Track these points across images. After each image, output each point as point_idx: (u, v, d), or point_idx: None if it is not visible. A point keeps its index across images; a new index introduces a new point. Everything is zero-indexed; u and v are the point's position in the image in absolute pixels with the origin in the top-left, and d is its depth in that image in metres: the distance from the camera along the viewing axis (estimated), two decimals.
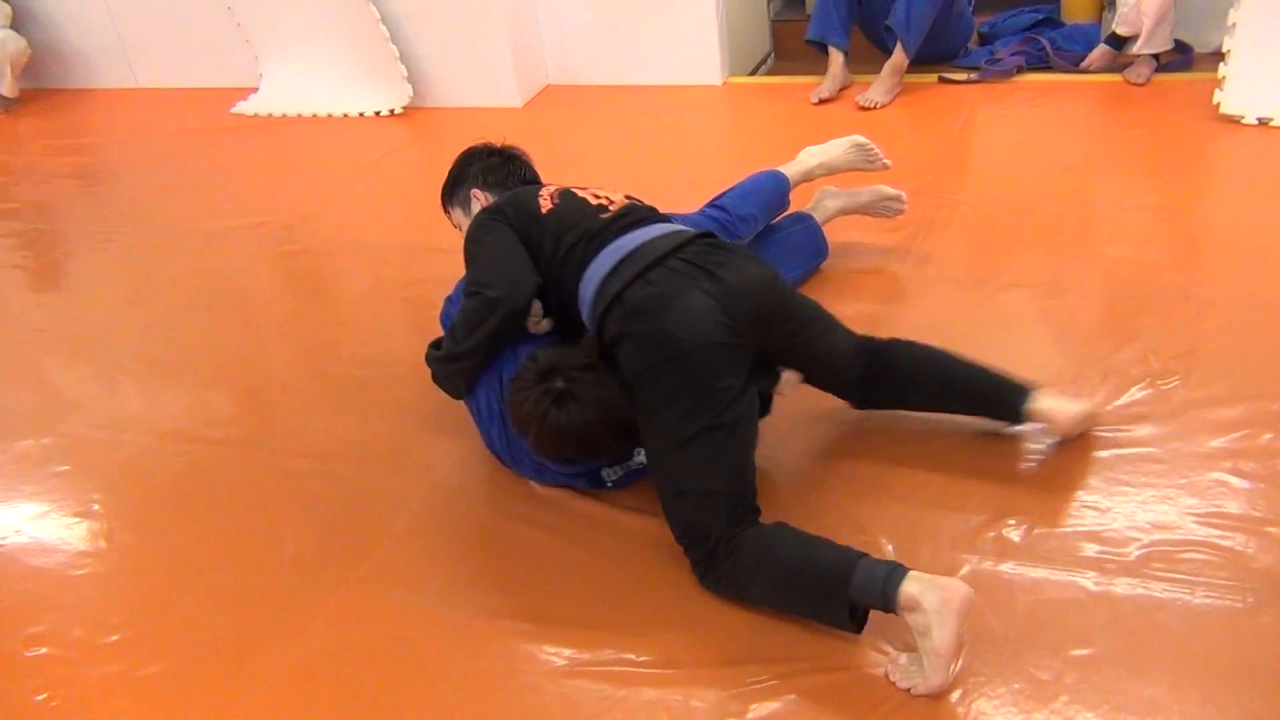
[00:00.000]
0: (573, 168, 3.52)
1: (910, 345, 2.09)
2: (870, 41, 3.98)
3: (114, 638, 1.89)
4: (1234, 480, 1.89)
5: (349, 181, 3.72)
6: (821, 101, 3.81)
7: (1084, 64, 3.72)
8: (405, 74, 4.22)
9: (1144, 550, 1.76)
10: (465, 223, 2.29)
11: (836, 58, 3.84)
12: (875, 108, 3.69)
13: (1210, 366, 2.19)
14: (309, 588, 1.94)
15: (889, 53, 3.74)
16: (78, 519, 2.20)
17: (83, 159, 4.37)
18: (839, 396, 2.12)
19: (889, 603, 1.58)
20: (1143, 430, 2.03)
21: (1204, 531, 1.79)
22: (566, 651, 1.73)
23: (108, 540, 2.14)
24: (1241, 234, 2.67)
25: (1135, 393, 2.13)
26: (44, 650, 1.88)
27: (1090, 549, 1.78)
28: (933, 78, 3.86)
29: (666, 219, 2.10)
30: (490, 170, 2.39)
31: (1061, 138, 3.37)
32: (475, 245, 2.09)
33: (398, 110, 4.31)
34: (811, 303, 2.05)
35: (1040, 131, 3.43)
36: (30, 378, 2.77)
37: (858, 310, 2.53)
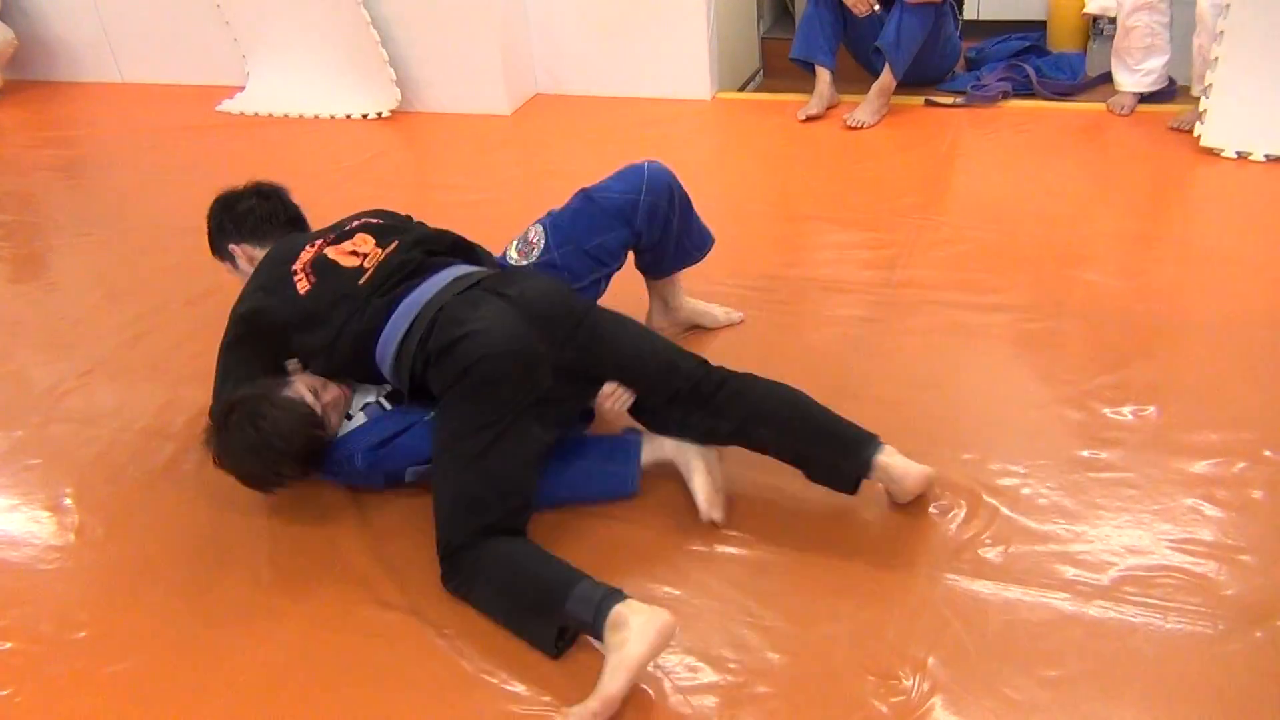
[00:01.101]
0: (558, 178, 3.51)
1: (763, 378, 2.02)
2: (858, 62, 4.01)
3: (82, 634, 1.87)
4: (1207, 508, 1.90)
5: (335, 183, 3.71)
6: (809, 119, 3.83)
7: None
8: (394, 77, 4.22)
9: (1118, 574, 1.77)
10: (241, 275, 2.31)
11: (823, 76, 3.87)
12: (862, 128, 3.72)
13: (1187, 393, 2.21)
14: (281, 587, 1.93)
15: (876, 74, 3.77)
16: (48, 513, 2.18)
17: (65, 152, 4.34)
18: (666, 417, 2.02)
19: (599, 619, 1.61)
20: (1119, 455, 2.05)
21: (1178, 558, 1.80)
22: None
23: (78, 535, 2.11)
24: (1219, 264, 2.70)
25: (1112, 417, 2.15)
26: (9, 645, 1.85)
27: (1066, 571, 1.79)
28: (919, 100, 3.89)
29: (445, 256, 2.08)
30: (243, 218, 2.36)
31: (1045, 164, 3.40)
32: (219, 359, 2.10)
33: (385, 114, 4.30)
34: (619, 315, 2.07)
35: (1024, 157, 3.46)
36: (4, 370, 2.74)
37: (835, 332, 2.55)
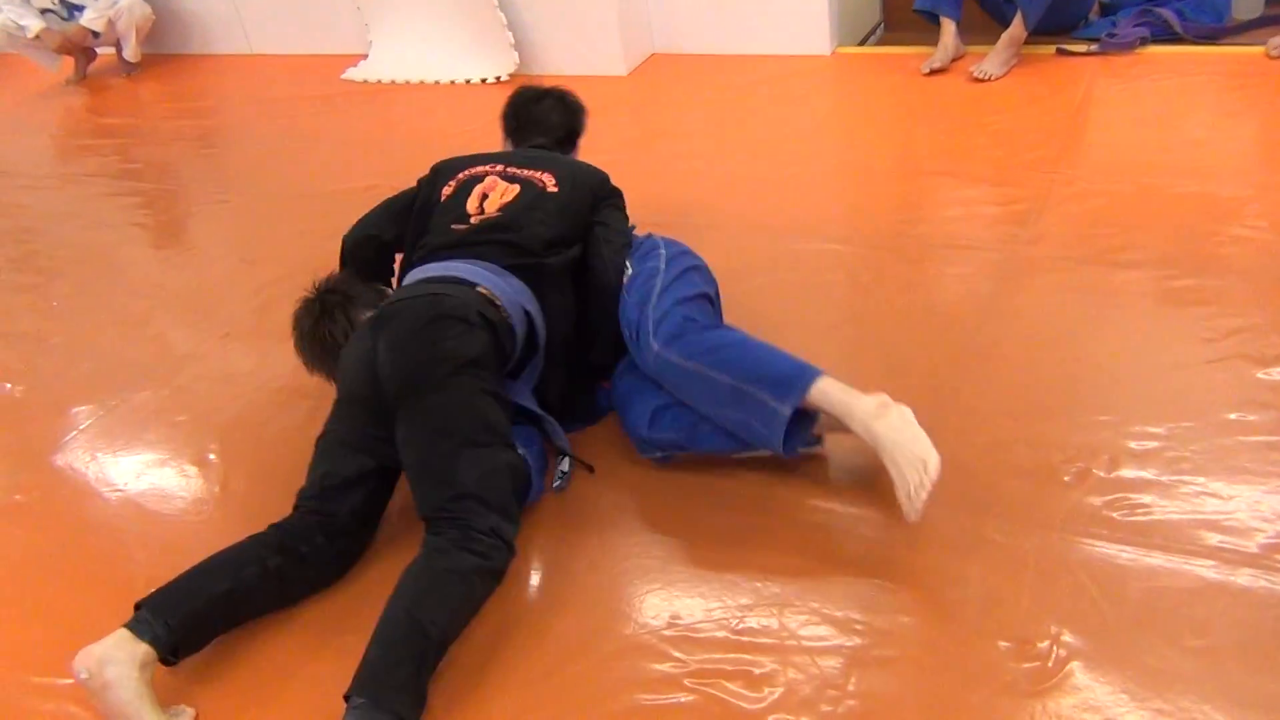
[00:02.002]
0: (675, 139, 3.50)
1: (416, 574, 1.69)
2: (985, 11, 3.87)
3: None
4: None
5: (454, 148, 3.71)
6: (933, 72, 3.72)
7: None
8: (512, 41, 4.25)
9: (1267, 541, 1.69)
10: None
11: (948, 27, 3.75)
12: (989, 79, 3.60)
13: None
14: (412, 541, 1.97)
15: (1005, 23, 3.63)
16: (195, 467, 2.28)
17: (201, 122, 4.50)
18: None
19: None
20: (1269, 417, 1.95)
21: None
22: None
23: (222, 488, 2.20)
24: None
25: (1262, 378, 2.04)
26: None
27: (1210, 537, 1.72)
28: (1050, 49, 3.74)
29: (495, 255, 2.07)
30: (520, 117, 2.54)
31: (1186, 113, 3.24)
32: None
33: (504, 78, 4.34)
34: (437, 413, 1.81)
35: (1164, 106, 3.30)
36: (147, 332, 2.87)
37: (963, 290, 2.48)
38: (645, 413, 2.00)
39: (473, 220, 2.14)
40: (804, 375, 1.83)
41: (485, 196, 2.19)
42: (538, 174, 2.23)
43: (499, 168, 2.26)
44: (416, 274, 2.08)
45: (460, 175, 2.26)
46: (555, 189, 2.20)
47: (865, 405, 1.78)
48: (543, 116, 2.50)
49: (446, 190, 2.24)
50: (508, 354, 1.98)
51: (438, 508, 1.73)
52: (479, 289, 1.97)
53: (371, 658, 1.55)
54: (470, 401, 1.81)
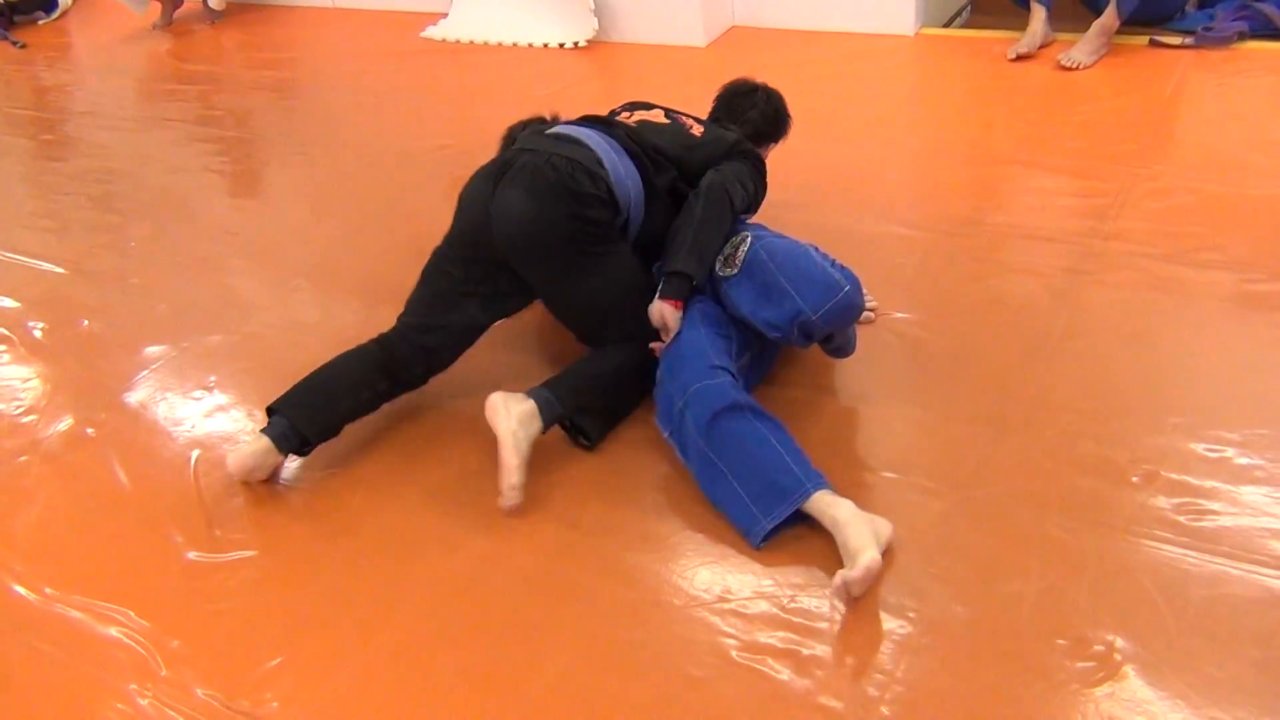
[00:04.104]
0: None
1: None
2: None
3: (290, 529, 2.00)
4: None
5: (528, 111, 3.72)
6: (1019, 58, 3.64)
7: None
8: (592, 7, 4.23)
9: None
10: None
11: (1038, 13, 3.66)
12: (1078, 68, 3.50)
13: None
14: (467, 502, 2.00)
15: (1098, 11, 3.54)
16: (261, 414, 2.31)
17: (280, 73, 4.55)
18: None
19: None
20: None
21: None
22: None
23: None
24: None
25: None
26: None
27: (1278, 547, 1.68)
28: (1143, 39, 3.64)
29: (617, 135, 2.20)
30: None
31: None
32: None
33: (582, 43, 4.32)
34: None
35: (1258, 104, 3.20)
36: (219, 278, 2.92)
37: (1036, 282, 2.43)
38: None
39: (619, 117, 2.34)
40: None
41: (637, 115, 2.36)
42: (692, 122, 2.34)
43: (668, 112, 2.39)
44: (551, 129, 2.23)
45: (637, 108, 2.42)
46: (699, 135, 2.30)
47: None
48: (741, 108, 2.50)
49: (616, 112, 2.42)
50: (610, 223, 2.13)
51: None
52: (595, 153, 2.12)
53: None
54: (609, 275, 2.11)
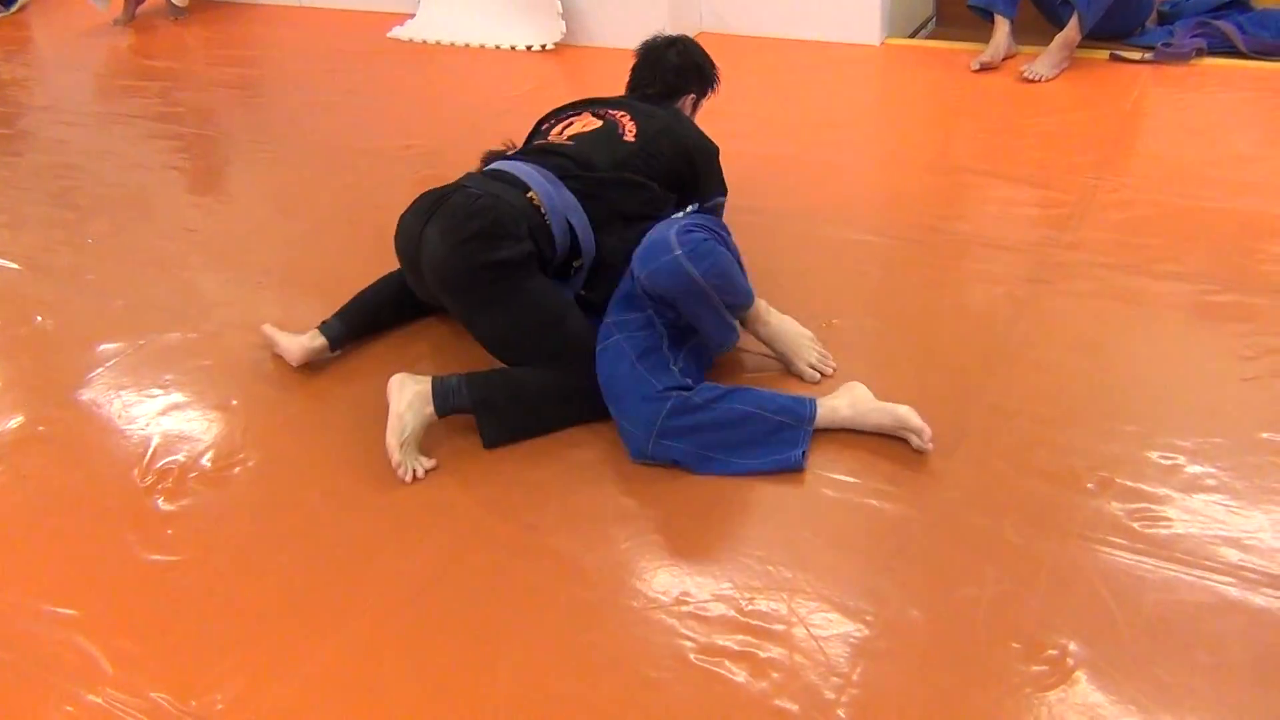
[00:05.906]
0: (714, 118, 3.46)
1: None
2: (1040, 12, 3.82)
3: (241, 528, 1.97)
4: None
5: (496, 113, 3.75)
6: (983, 69, 3.68)
7: None
8: (560, 10, 4.22)
9: None
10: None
11: (1002, 25, 3.70)
12: (1040, 80, 3.55)
13: None
14: (429, 503, 1.98)
15: (1060, 25, 3.58)
16: (216, 413, 2.29)
17: (244, 71, 4.51)
18: None
19: None
20: None
21: None
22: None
23: (242, 435, 2.21)
24: None
25: None
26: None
27: (1231, 555, 1.70)
28: (1104, 54, 3.69)
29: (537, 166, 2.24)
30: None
31: (1237, 128, 3.19)
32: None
33: (549, 46, 4.32)
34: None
35: (1215, 119, 3.25)
36: (178, 275, 2.88)
37: (996, 291, 2.45)
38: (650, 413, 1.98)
39: (549, 140, 2.38)
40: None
41: (570, 125, 2.40)
42: (624, 117, 2.38)
43: (595, 108, 2.45)
44: (488, 168, 2.29)
45: (567, 115, 2.48)
46: (633, 139, 2.33)
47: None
48: (659, 61, 2.58)
49: (548, 124, 2.49)
50: (547, 258, 2.17)
51: None
52: (529, 194, 2.15)
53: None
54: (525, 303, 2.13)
